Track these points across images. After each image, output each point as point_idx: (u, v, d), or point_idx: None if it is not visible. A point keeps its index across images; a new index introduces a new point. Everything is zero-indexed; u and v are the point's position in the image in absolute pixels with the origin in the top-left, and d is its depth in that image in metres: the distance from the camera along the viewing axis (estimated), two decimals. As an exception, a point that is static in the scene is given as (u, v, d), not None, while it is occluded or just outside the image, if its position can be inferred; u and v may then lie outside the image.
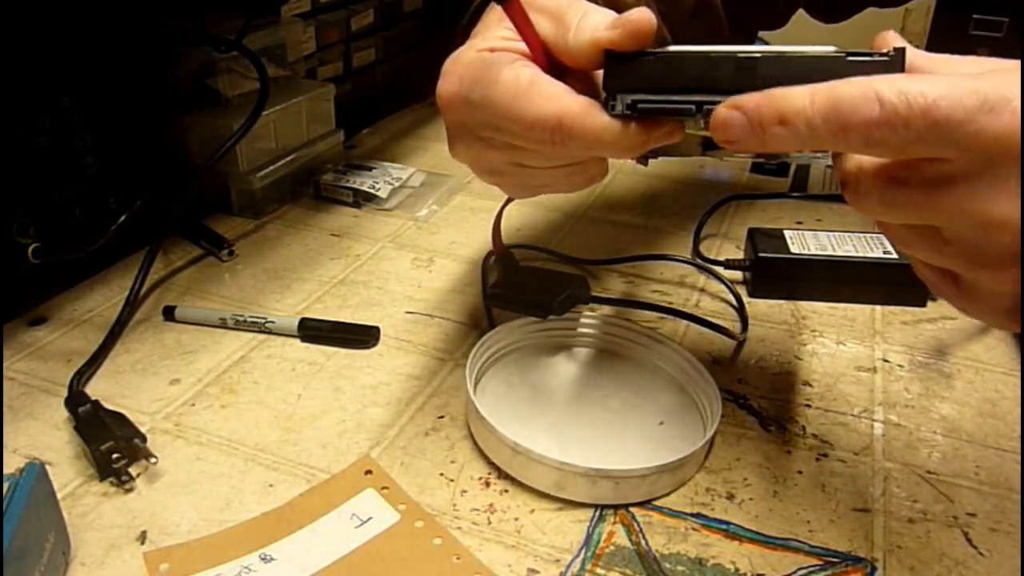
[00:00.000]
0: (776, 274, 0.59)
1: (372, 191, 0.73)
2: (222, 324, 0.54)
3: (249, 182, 0.69)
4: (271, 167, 0.70)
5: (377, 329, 0.53)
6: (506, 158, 0.36)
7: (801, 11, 0.64)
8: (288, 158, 0.72)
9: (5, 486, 0.33)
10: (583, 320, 0.53)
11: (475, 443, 0.44)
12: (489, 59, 0.35)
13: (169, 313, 0.55)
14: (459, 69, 0.36)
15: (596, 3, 0.35)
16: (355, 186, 0.73)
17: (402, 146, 0.89)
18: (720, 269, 0.62)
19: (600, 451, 0.44)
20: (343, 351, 0.52)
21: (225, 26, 0.65)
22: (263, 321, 0.54)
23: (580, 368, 0.51)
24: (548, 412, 0.47)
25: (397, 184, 0.75)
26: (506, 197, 0.49)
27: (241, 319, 0.54)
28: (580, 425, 0.46)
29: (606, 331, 0.52)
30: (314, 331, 0.53)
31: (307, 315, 0.55)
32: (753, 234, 0.62)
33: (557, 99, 0.33)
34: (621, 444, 0.44)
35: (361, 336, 0.53)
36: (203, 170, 0.63)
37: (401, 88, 1.01)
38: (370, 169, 0.77)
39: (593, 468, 0.39)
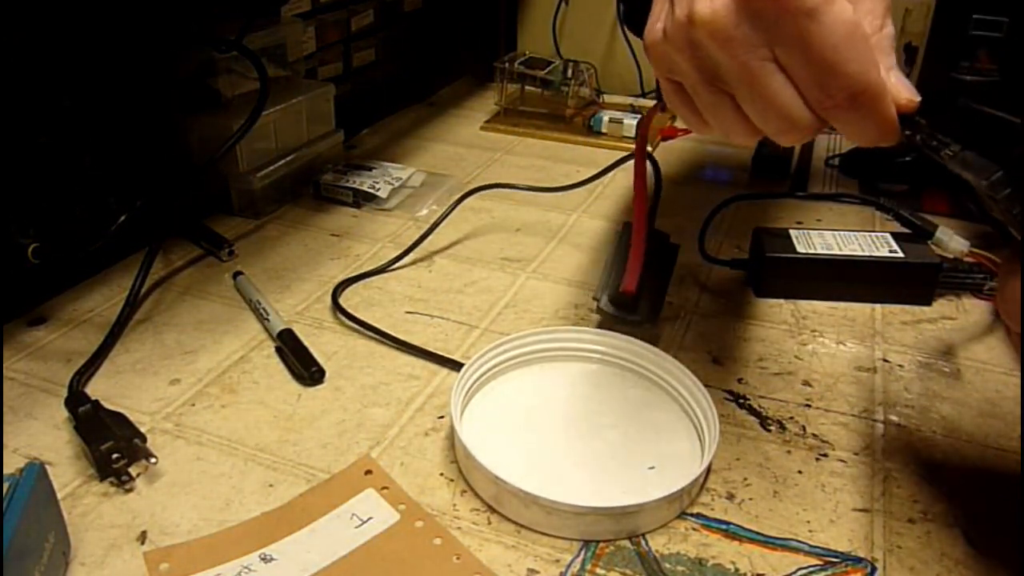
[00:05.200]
0: (783, 274, 0.59)
1: (372, 191, 0.73)
2: (253, 307, 0.56)
3: (249, 182, 0.69)
4: (271, 167, 0.70)
5: (322, 372, 0.50)
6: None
7: None
8: (288, 158, 0.72)
9: (5, 486, 0.33)
10: (611, 338, 0.50)
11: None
12: None
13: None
14: None
15: None
16: (355, 186, 0.73)
17: (402, 146, 0.89)
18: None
19: (571, 481, 0.42)
20: (343, 351, 0.52)
21: (225, 26, 0.65)
22: (266, 316, 0.54)
23: (596, 388, 0.49)
24: (543, 431, 0.45)
25: (397, 184, 0.75)
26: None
27: (262, 308, 0.55)
28: (568, 450, 0.44)
29: (622, 349, 0.50)
30: (284, 344, 0.52)
31: (307, 315, 0.55)
32: (758, 234, 0.62)
33: (876, 65, 0.31)
34: (599, 480, 0.42)
35: (306, 371, 0.49)
36: (203, 170, 0.64)
37: (401, 88, 1.01)
38: (370, 169, 0.77)
39: (524, 490, 0.38)
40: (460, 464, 0.43)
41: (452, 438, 0.45)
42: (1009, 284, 0.32)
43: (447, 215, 0.67)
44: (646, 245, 0.50)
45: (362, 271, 0.61)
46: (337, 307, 0.56)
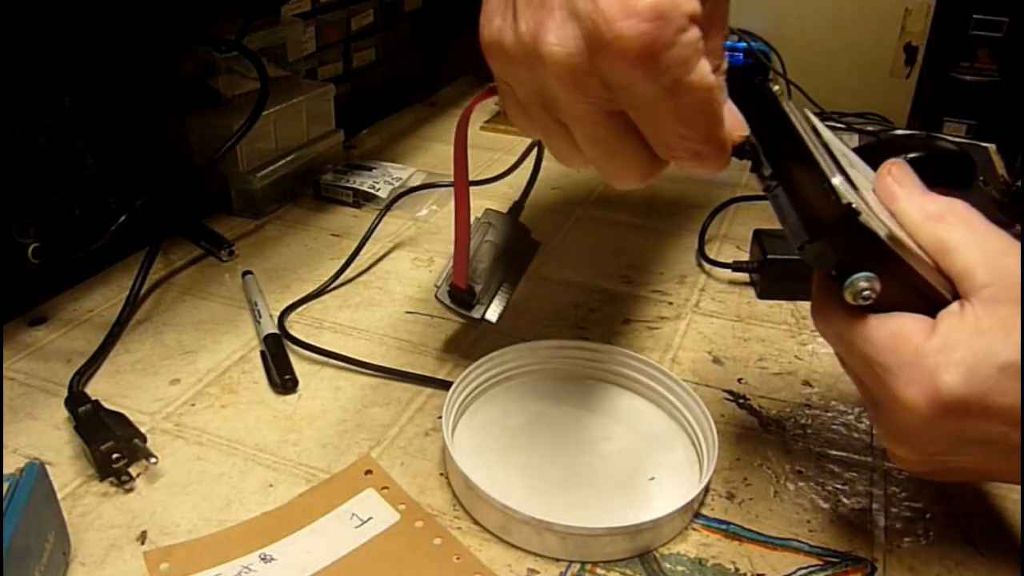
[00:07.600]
0: (785, 276, 0.59)
1: (372, 191, 0.73)
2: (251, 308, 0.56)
3: (249, 182, 0.69)
4: (271, 167, 0.70)
5: (295, 381, 0.49)
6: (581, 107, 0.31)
7: None
8: (288, 158, 0.72)
9: (5, 486, 0.33)
10: (593, 350, 0.49)
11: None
12: None
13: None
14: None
15: None
16: (355, 186, 0.73)
17: (402, 146, 0.89)
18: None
19: (575, 501, 0.41)
20: (343, 351, 0.52)
21: (225, 26, 0.65)
22: (259, 319, 0.54)
23: (583, 401, 0.48)
24: (536, 450, 0.44)
25: (397, 184, 0.75)
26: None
27: (256, 310, 0.55)
28: (565, 468, 0.43)
29: (617, 364, 0.48)
30: (267, 349, 0.51)
31: (307, 315, 0.55)
32: (760, 236, 0.61)
33: (722, 121, 0.32)
34: (602, 496, 0.41)
35: (280, 379, 0.49)
36: (203, 170, 0.64)
37: (401, 88, 1.01)
38: (370, 169, 0.77)
39: (537, 517, 0.37)
40: (458, 495, 0.41)
41: (452, 438, 0.44)
42: (820, 300, 0.35)
43: (381, 219, 0.65)
44: (506, 239, 0.48)
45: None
46: (284, 333, 0.53)
